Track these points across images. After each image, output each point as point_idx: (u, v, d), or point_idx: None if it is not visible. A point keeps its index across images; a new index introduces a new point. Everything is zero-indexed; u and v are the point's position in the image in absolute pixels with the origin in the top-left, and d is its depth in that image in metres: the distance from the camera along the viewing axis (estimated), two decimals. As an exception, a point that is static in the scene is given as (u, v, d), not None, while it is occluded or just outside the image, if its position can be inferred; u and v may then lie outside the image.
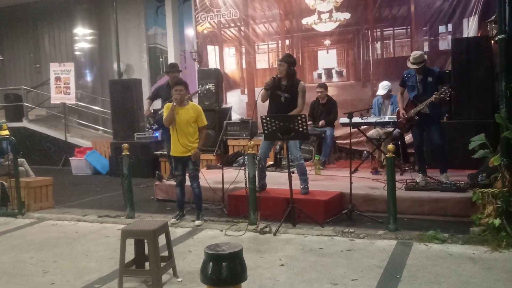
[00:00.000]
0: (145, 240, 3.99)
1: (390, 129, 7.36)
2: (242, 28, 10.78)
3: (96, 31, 13.30)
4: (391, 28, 9.34)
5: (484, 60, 7.32)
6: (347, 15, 9.62)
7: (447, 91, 5.84)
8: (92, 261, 4.74)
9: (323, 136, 8.15)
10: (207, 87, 8.03)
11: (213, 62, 11.14)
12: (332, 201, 5.88)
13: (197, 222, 5.83)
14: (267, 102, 6.19)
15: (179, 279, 4.11)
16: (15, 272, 4.51)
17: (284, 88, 6.03)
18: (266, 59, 10.73)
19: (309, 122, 8.10)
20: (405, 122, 6.41)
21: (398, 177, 6.05)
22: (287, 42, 10.38)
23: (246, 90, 10.86)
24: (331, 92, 9.00)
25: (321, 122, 8.17)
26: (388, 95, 7.69)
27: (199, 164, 5.97)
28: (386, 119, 7.22)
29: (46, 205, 7.22)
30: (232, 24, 10.93)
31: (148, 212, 6.67)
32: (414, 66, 6.12)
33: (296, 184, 5.90)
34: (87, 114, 13.17)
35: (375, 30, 9.47)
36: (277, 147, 8.20)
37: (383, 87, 7.70)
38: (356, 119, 6.86)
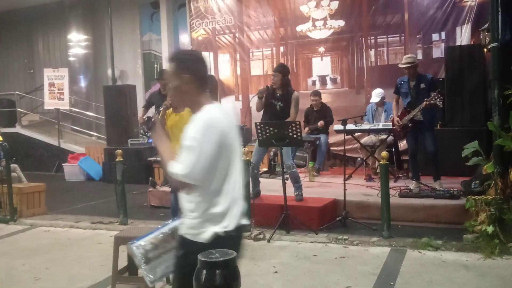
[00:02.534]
0: (139, 247, 3.96)
1: (384, 136, 7.39)
2: (237, 34, 10.80)
3: (90, 37, 13.26)
4: (385, 36, 9.40)
5: (477, 68, 7.38)
6: (341, 23, 9.68)
7: (436, 98, 5.88)
8: (85, 268, 4.71)
9: (317, 143, 8.16)
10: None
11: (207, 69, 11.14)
12: (326, 208, 5.88)
13: (191, 229, 5.79)
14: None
15: (173, 286, 4.09)
16: (7, 279, 4.47)
17: (279, 97, 6.04)
18: (260, 66, 10.76)
19: (306, 129, 8.13)
20: (399, 129, 6.43)
21: (392, 184, 6.06)
22: (281, 49, 10.42)
23: (240, 96, 10.87)
24: (325, 99, 9.02)
25: (320, 123, 8.17)
26: (381, 102, 7.71)
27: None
28: (380, 126, 7.23)
29: (39, 211, 7.16)
30: (227, 31, 10.96)
31: (142, 218, 6.63)
32: (405, 65, 6.16)
33: (290, 191, 5.90)
34: (81, 120, 13.11)
35: (369, 38, 9.52)
36: (271, 153, 8.19)
37: (376, 95, 7.72)
38: (350, 126, 6.87)
